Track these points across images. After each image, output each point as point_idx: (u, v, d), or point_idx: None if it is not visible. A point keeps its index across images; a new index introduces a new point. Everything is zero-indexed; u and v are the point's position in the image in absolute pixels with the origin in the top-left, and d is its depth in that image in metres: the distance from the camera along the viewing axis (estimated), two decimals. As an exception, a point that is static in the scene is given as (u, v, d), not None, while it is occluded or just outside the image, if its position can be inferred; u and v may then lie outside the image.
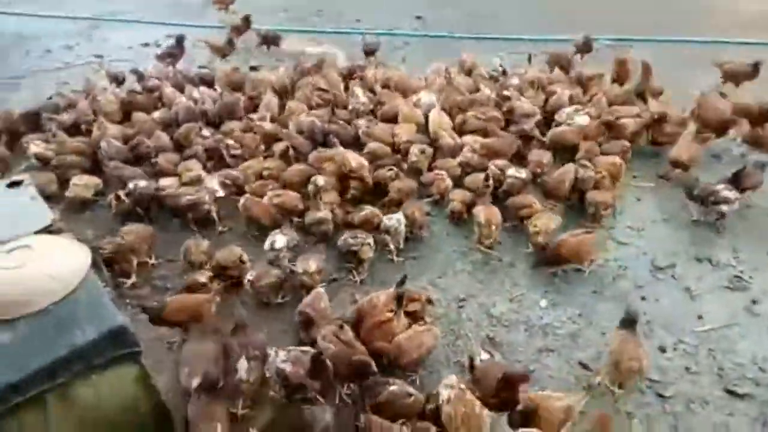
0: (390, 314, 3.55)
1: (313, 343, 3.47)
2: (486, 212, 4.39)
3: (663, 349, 3.68)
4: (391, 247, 4.37)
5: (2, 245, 2.86)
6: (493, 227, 4.35)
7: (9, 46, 8.52)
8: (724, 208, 4.52)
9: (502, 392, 3.04)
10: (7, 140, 5.61)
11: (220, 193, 4.74)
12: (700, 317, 3.90)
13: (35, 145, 5.29)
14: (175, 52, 7.16)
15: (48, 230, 3.16)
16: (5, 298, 2.59)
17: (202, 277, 3.99)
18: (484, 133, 5.34)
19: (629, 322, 3.42)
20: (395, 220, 4.38)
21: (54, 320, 2.57)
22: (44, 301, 2.64)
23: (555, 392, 3.24)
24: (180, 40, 7.21)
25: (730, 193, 4.51)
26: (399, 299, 3.59)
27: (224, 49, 7.43)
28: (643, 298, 4.05)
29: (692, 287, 4.12)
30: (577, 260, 4.21)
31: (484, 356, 3.37)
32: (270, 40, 7.76)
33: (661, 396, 3.40)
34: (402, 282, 3.65)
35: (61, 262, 2.84)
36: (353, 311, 3.71)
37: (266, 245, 4.24)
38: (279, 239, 4.24)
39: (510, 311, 3.99)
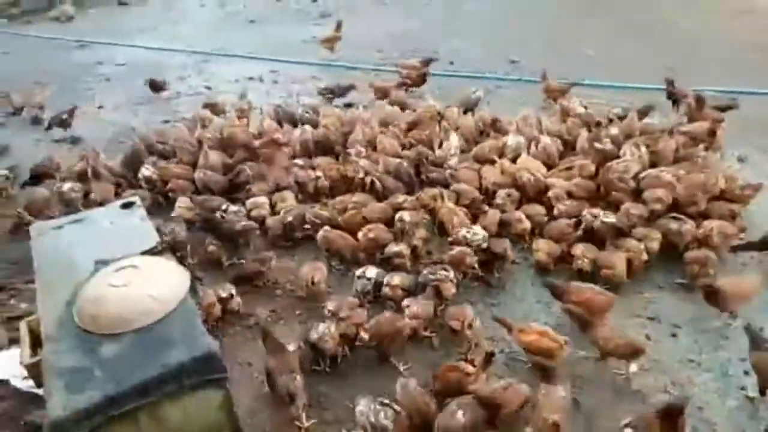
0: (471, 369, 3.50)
1: None
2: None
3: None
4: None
5: (112, 264, 3.09)
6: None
7: (132, 75, 9.35)
8: None
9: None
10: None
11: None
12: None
13: (146, 169, 5.70)
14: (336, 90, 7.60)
15: (153, 252, 3.38)
16: (112, 314, 2.79)
17: None
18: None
19: None
20: (480, 236, 4.49)
21: (152, 339, 2.73)
22: (145, 320, 2.81)
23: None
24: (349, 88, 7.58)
25: None
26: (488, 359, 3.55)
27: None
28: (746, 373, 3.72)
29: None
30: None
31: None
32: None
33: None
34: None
35: (162, 284, 3.02)
36: None
37: (358, 273, 4.35)
38: (370, 269, 4.35)
39: (595, 371, 3.79)
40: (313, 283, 4.36)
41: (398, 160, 5.52)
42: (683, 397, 3.33)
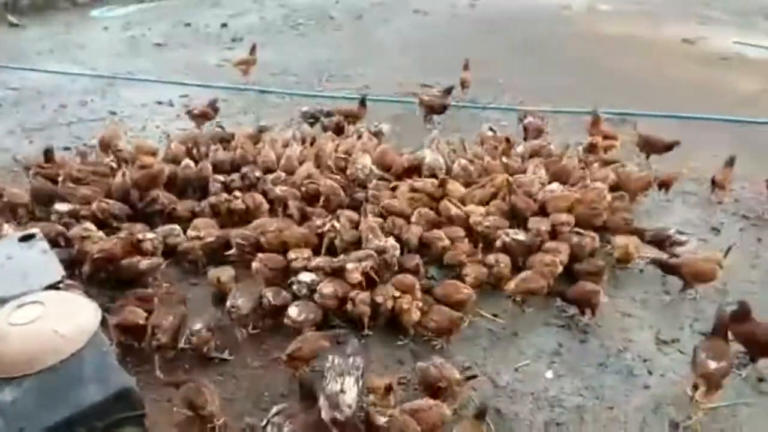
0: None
1: None
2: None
3: (675, 425, 3.62)
4: None
5: (14, 301, 2.87)
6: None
7: (26, 100, 8.76)
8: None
9: None
10: None
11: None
12: (708, 393, 3.85)
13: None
14: (208, 111, 7.34)
15: (57, 286, 3.17)
16: (13, 355, 2.58)
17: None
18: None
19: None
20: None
21: (60, 379, 2.55)
22: (51, 358, 2.63)
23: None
24: (213, 103, 7.43)
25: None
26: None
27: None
28: (649, 372, 4.02)
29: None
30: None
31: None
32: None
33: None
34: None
35: (70, 320, 2.84)
36: None
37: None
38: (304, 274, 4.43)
39: (515, 381, 3.94)
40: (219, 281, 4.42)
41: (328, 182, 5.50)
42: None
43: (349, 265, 4.41)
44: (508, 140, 6.38)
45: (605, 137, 6.53)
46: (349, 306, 4.24)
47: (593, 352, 4.19)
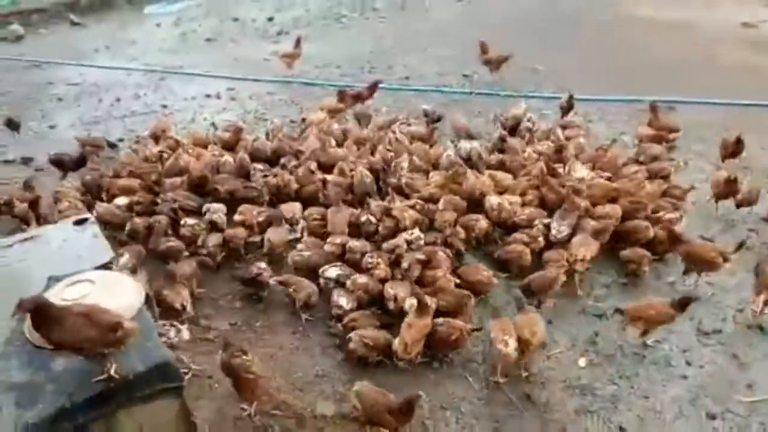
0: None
1: None
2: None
3: (712, 416, 3.54)
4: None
5: (65, 279, 3.08)
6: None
7: (85, 95, 9.23)
8: None
9: None
10: None
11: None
12: (749, 386, 3.74)
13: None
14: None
15: (107, 267, 3.38)
16: (65, 328, 2.77)
17: None
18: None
19: None
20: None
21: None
22: (98, 332, 2.81)
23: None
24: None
25: None
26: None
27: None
28: (688, 363, 3.93)
29: (740, 355, 3.97)
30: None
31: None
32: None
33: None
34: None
35: (117, 297, 3.02)
36: None
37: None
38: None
39: (547, 369, 3.93)
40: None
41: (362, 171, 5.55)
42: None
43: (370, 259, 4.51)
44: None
45: (667, 130, 6.31)
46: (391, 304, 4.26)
47: (630, 342, 4.12)
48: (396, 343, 3.81)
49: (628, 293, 4.53)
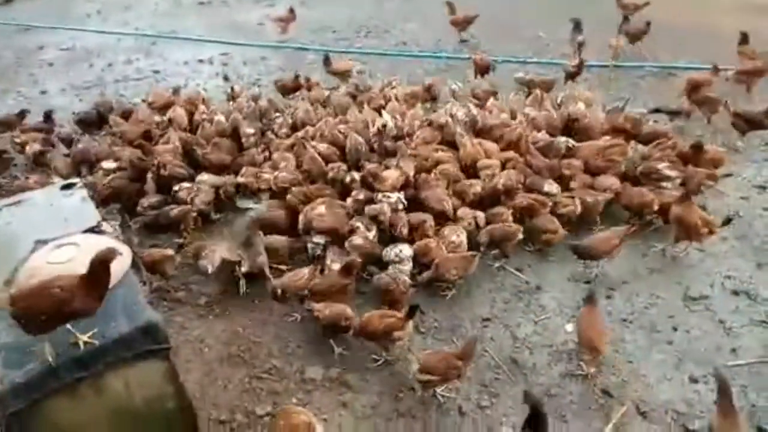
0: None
1: None
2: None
3: (694, 380, 3.59)
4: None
5: (52, 242, 3.09)
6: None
7: (76, 60, 9.11)
8: None
9: None
10: None
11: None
12: (733, 350, 3.79)
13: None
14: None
15: (94, 230, 3.38)
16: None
17: None
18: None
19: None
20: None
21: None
22: (84, 295, 2.82)
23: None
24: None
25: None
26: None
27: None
28: (674, 329, 3.96)
29: (726, 320, 4.00)
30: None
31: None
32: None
33: (687, 429, 3.32)
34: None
35: (102, 260, 3.03)
36: None
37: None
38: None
39: (534, 334, 3.97)
40: None
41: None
42: None
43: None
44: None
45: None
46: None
47: (617, 308, 4.15)
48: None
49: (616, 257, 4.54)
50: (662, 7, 8.39)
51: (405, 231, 4.52)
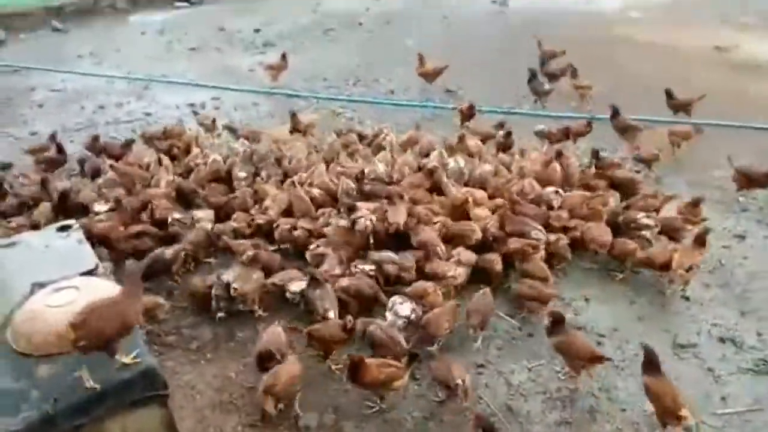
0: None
1: None
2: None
3: (688, 429, 3.62)
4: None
5: (52, 285, 3.07)
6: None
7: (68, 102, 9.16)
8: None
9: None
10: None
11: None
12: (723, 399, 3.85)
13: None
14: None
15: (93, 273, 3.37)
16: (49, 335, 2.76)
17: None
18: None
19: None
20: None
21: (92, 358, 2.72)
22: (84, 339, 2.80)
23: None
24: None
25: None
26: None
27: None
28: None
29: (715, 368, 4.08)
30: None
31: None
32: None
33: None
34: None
35: (102, 304, 3.01)
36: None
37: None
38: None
39: (528, 380, 4.00)
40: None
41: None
42: None
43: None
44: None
45: None
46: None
47: (608, 355, 4.18)
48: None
49: (605, 304, 4.62)
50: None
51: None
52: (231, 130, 7.24)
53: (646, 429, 3.64)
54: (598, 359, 3.84)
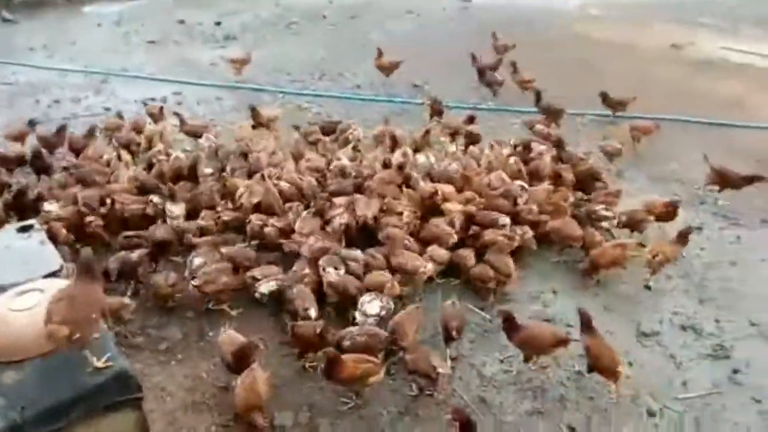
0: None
1: None
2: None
3: (652, 414, 3.76)
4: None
5: (14, 288, 2.95)
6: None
7: (20, 96, 8.79)
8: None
9: None
10: None
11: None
12: (684, 384, 4.01)
13: None
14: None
15: (57, 274, 3.26)
16: (16, 340, 2.67)
17: None
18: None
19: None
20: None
21: (61, 362, 2.64)
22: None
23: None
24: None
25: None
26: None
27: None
28: (630, 364, 4.16)
29: (676, 355, 4.24)
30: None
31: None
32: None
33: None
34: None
35: (69, 306, 2.92)
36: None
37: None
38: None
39: (500, 372, 4.07)
40: None
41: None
42: None
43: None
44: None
45: None
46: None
47: (576, 344, 4.30)
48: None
49: (575, 297, 4.74)
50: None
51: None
52: (180, 119, 7.10)
53: (614, 415, 3.75)
54: (563, 342, 3.95)
